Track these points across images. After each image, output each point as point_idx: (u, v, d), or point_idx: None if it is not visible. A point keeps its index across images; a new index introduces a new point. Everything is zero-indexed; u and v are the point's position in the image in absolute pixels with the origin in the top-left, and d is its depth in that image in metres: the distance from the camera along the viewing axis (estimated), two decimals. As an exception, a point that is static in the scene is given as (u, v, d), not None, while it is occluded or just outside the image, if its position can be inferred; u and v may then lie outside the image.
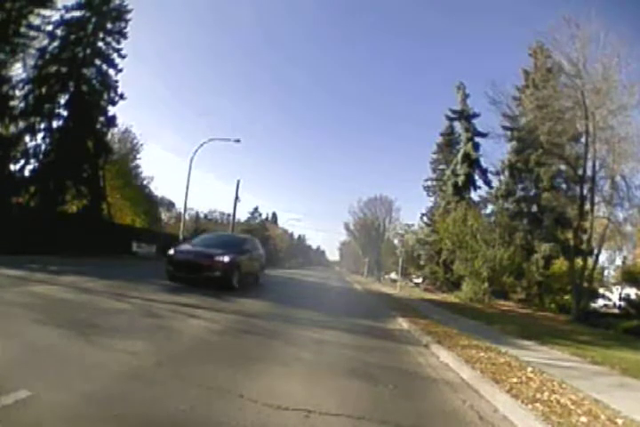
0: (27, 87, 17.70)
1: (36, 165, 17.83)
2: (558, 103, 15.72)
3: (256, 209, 61.05)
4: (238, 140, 23.11)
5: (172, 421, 2.15)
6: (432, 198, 32.59)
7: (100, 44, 19.68)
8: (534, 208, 21.69)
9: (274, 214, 70.94)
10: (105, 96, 19.76)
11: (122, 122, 24.40)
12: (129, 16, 20.25)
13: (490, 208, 24.26)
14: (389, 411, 2.75)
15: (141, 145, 28.20)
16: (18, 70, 17.37)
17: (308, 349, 4.43)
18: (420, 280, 32.79)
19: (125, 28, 20.17)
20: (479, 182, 26.87)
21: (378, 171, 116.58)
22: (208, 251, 9.04)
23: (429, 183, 33.01)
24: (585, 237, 15.87)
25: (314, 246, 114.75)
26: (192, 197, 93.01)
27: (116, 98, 20.00)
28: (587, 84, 14.53)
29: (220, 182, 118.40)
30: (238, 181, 31.41)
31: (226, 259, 8.75)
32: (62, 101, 18.54)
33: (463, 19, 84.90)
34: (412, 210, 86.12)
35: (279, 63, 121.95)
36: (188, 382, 2.72)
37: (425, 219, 32.78)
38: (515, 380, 3.77)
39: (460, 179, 26.33)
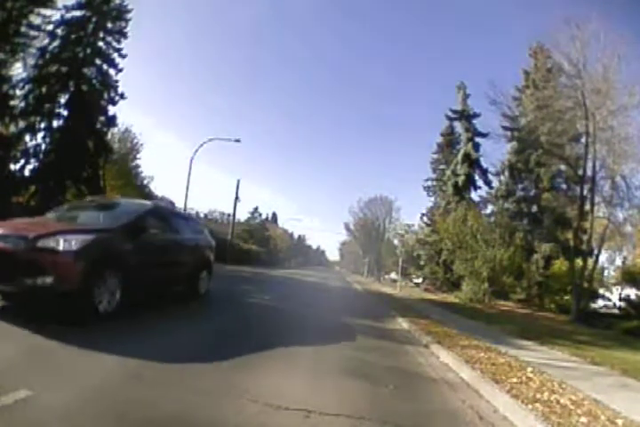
0: (27, 87, 17.72)
1: (37, 164, 17.85)
2: (558, 104, 15.72)
3: (256, 209, 61.07)
4: (238, 140, 23.14)
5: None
6: (432, 198, 32.63)
7: (101, 43, 19.70)
8: (534, 208, 21.70)
9: (274, 214, 71.04)
10: (105, 96, 19.78)
11: (122, 122, 24.43)
12: (129, 16, 20.29)
13: (490, 208, 24.29)
14: (389, 411, 2.75)
15: (141, 145, 28.28)
16: (18, 70, 17.43)
17: (307, 348, 4.43)
18: (420, 280, 32.80)
19: (126, 27, 20.19)
20: (479, 182, 26.91)
21: (378, 171, 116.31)
22: (38, 226, 4.34)
23: (429, 183, 33.01)
24: (585, 237, 15.87)
25: (314, 246, 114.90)
26: (196, 197, 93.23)
27: (117, 97, 20.02)
28: (587, 85, 14.53)
29: (220, 177, 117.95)
30: (238, 181, 31.46)
31: (72, 244, 3.89)
32: (62, 101, 18.56)
33: (464, 18, 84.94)
34: (412, 210, 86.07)
35: (279, 63, 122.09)
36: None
37: (425, 219, 32.80)
38: (515, 380, 3.78)
39: (461, 179, 26.33)
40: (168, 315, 5.22)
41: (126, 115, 33.04)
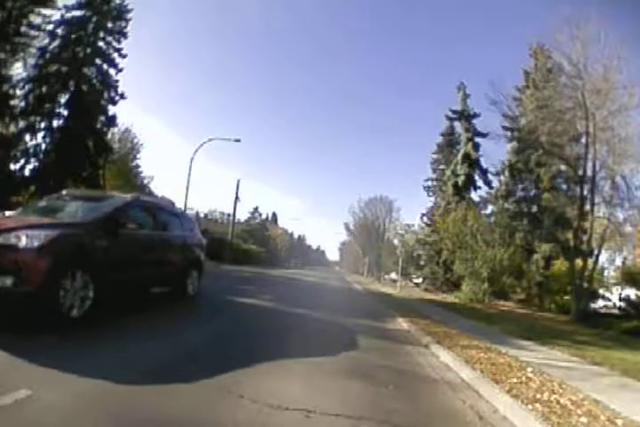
0: (27, 86, 17.74)
1: (37, 164, 17.87)
2: (558, 104, 15.70)
3: (256, 209, 61.18)
4: (238, 140, 23.13)
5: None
6: (432, 198, 32.65)
7: (101, 43, 19.72)
8: (534, 208, 21.66)
9: (274, 214, 71.13)
10: (105, 95, 19.80)
11: (122, 122, 24.49)
12: (129, 15, 20.30)
13: (490, 208, 24.24)
14: (389, 411, 2.75)
15: (141, 145, 28.33)
16: (18, 69, 17.47)
17: (307, 347, 4.42)
18: (420, 280, 32.78)
19: (126, 27, 20.23)
20: (479, 183, 26.88)
21: (378, 171, 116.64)
22: (3, 221, 4.02)
23: (429, 183, 33.04)
24: (585, 237, 15.85)
25: (314, 246, 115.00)
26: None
27: (117, 97, 20.04)
28: (587, 85, 14.51)
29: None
30: (238, 181, 31.51)
31: (34, 240, 3.54)
32: (63, 101, 18.59)
33: (466, 18, 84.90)
34: (412, 210, 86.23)
35: (281, 60, 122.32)
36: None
37: (425, 219, 32.81)
38: (515, 380, 3.78)
39: (461, 179, 26.32)
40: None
41: (132, 112, 33.19)
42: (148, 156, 79.05)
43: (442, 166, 31.33)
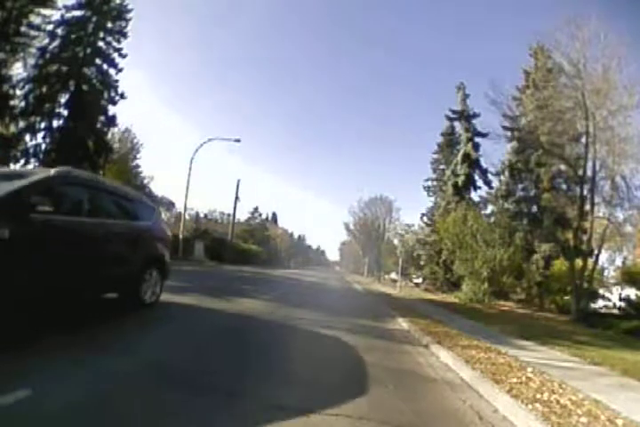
0: (27, 86, 17.77)
1: (37, 164, 17.88)
2: (558, 104, 15.70)
3: (256, 209, 61.15)
4: (238, 140, 23.17)
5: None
6: (432, 198, 32.66)
7: (101, 43, 19.75)
8: (534, 208, 21.69)
9: (274, 214, 71.12)
10: (105, 95, 19.82)
11: (122, 122, 24.50)
12: (129, 15, 20.32)
13: (490, 208, 24.29)
14: (389, 411, 2.75)
15: (141, 144, 28.37)
16: (18, 69, 17.51)
17: (305, 347, 4.42)
18: (420, 280, 32.80)
19: (126, 27, 20.27)
20: (479, 183, 26.92)
21: (378, 171, 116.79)
22: None
23: (430, 183, 33.06)
24: (585, 237, 15.85)
25: (314, 246, 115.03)
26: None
27: (117, 97, 20.08)
28: (587, 85, 14.52)
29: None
30: (238, 181, 31.51)
31: None
32: (63, 101, 18.63)
33: (467, 17, 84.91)
34: (412, 210, 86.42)
35: (281, 59, 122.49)
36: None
37: (425, 219, 32.82)
38: (515, 380, 3.78)
39: (460, 179, 26.34)
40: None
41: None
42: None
43: (442, 166, 31.36)
